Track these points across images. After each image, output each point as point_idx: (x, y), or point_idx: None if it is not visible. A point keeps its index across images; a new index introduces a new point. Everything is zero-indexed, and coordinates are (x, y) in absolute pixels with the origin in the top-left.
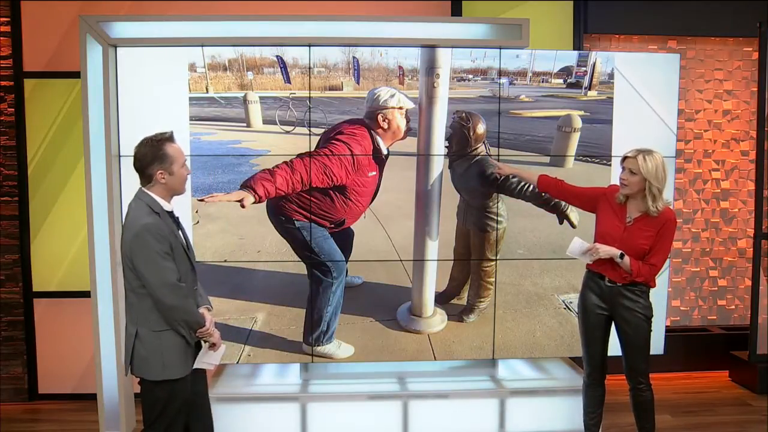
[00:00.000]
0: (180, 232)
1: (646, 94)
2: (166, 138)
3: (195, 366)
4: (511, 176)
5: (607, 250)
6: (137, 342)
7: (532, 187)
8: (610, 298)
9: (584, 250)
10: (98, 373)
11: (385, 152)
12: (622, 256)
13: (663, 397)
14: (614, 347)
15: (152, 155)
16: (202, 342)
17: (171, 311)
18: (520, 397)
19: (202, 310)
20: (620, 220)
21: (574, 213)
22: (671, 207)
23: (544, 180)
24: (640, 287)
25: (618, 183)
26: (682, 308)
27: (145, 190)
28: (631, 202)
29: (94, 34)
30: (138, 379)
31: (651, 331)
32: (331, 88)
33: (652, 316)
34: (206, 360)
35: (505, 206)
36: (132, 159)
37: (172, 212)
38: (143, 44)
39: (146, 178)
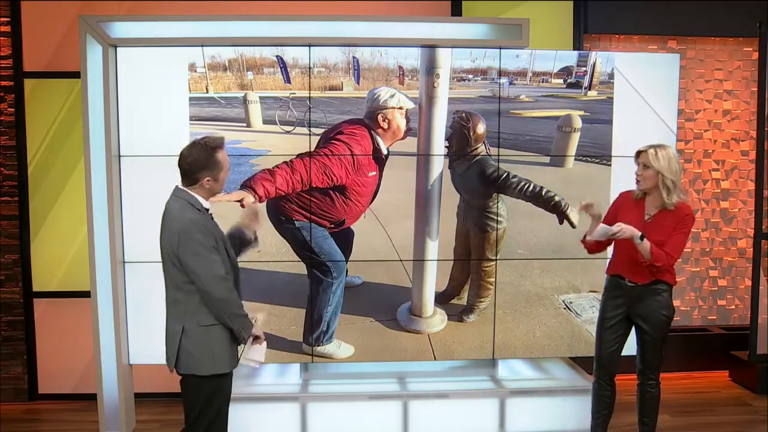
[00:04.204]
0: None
1: (646, 94)
2: (218, 144)
3: (241, 362)
4: (511, 176)
5: (630, 232)
6: (184, 338)
7: (532, 186)
8: (632, 299)
9: (611, 233)
10: (98, 373)
11: (385, 152)
12: (642, 238)
13: (663, 397)
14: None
15: (204, 161)
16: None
17: (220, 304)
18: (520, 397)
19: None
20: (639, 216)
21: (573, 213)
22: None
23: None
24: (662, 285)
25: (626, 189)
26: (682, 308)
27: (186, 189)
28: (648, 199)
29: (94, 34)
30: (181, 378)
31: (669, 329)
32: (331, 88)
33: (673, 315)
34: (251, 356)
35: (505, 206)
36: (179, 158)
37: (208, 210)
38: (143, 44)
39: (191, 180)
